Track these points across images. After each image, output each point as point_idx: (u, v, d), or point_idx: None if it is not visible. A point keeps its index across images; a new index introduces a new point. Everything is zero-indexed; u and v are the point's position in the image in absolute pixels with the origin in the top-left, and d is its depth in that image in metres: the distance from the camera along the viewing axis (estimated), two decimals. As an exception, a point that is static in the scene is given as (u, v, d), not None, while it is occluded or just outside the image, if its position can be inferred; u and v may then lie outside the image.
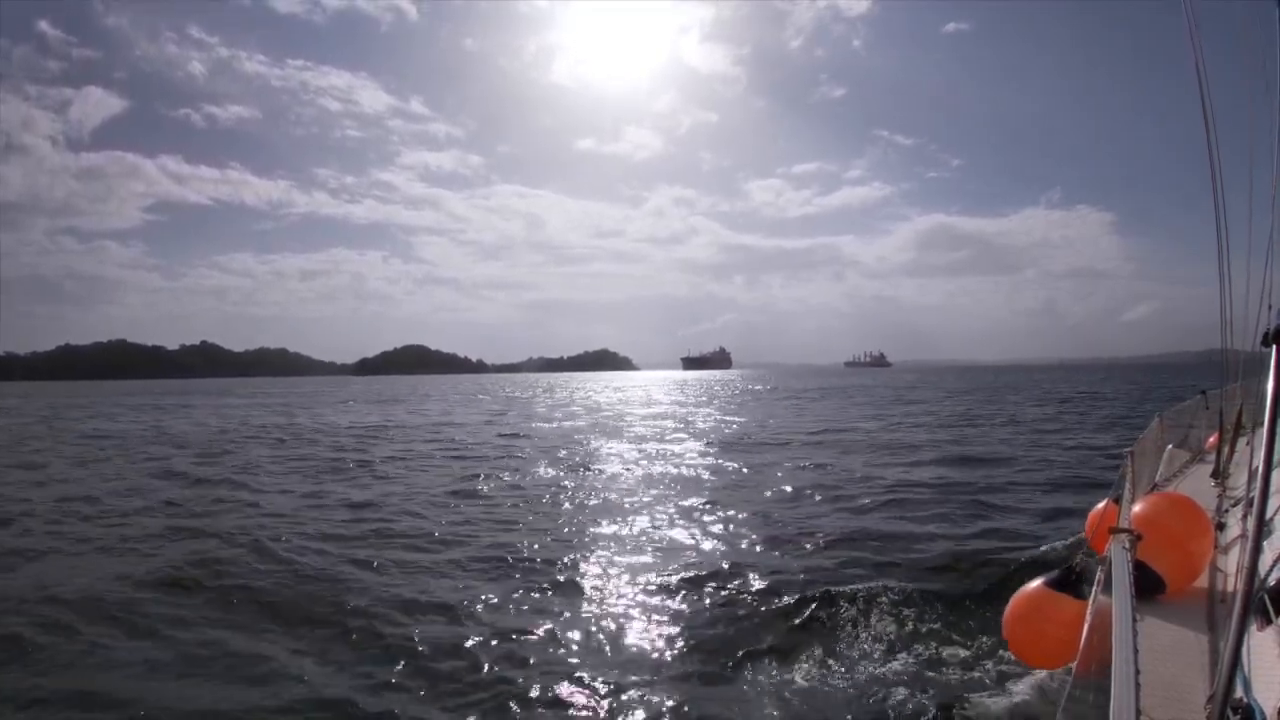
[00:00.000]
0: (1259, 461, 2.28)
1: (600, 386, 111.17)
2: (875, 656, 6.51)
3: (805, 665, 6.42)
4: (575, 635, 7.16)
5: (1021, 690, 5.59)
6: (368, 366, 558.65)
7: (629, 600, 8.24)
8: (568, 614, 7.81)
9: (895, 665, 6.29)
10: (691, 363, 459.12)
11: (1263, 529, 2.30)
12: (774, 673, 6.28)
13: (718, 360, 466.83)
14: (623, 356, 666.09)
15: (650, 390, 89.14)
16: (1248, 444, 5.24)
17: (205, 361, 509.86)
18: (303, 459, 21.90)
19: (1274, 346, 2.37)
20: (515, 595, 8.43)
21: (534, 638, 7.13)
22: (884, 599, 7.70)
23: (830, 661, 6.45)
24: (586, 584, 8.80)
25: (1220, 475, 5.37)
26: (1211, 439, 6.45)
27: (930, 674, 6.04)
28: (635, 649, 6.91)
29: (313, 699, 5.90)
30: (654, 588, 8.61)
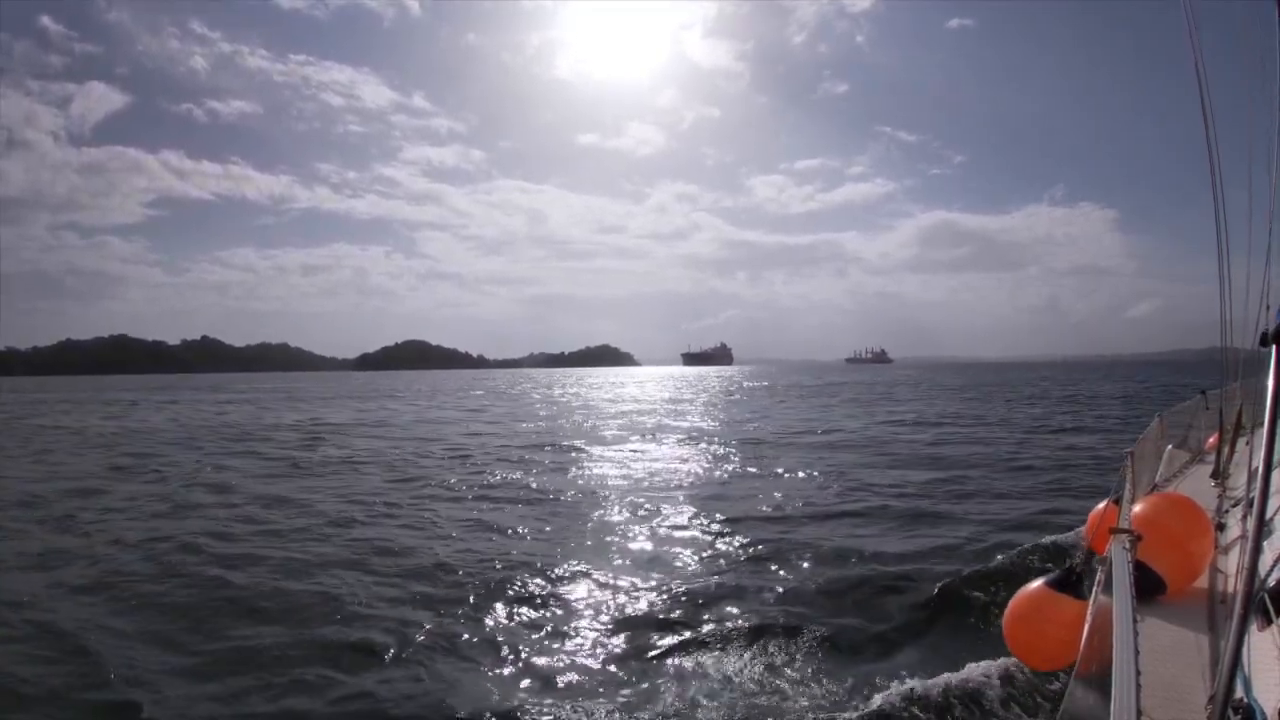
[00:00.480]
0: (1259, 462, 2.29)
1: (597, 382, 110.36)
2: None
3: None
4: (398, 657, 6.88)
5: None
6: (368, 362, 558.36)
7: (472, 622, 7.77)
8: (417, 633, 7.42)
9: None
10: (692, 358, 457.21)
11: (1263, 529, 2.31)
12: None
13: (719, 356, 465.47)
14: (624, 352, 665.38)
15: (644, 387, 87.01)
16: (1247, 444, 5.25)
17: (206, 357, 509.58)
18: (256, 455, 21.97)
19: (1273, 346, 2.38)
20: (379, 605, 8.20)
21: (364, 654, 6.92)
22: (756, 639, 7.17)
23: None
24: (458, 599, 8.38)
25: (1220, 475, 5.37)
26: (1211, 439, 6.46)
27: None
28: (458, 675, 6.58)
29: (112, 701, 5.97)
30: (519, 611, 8.06)
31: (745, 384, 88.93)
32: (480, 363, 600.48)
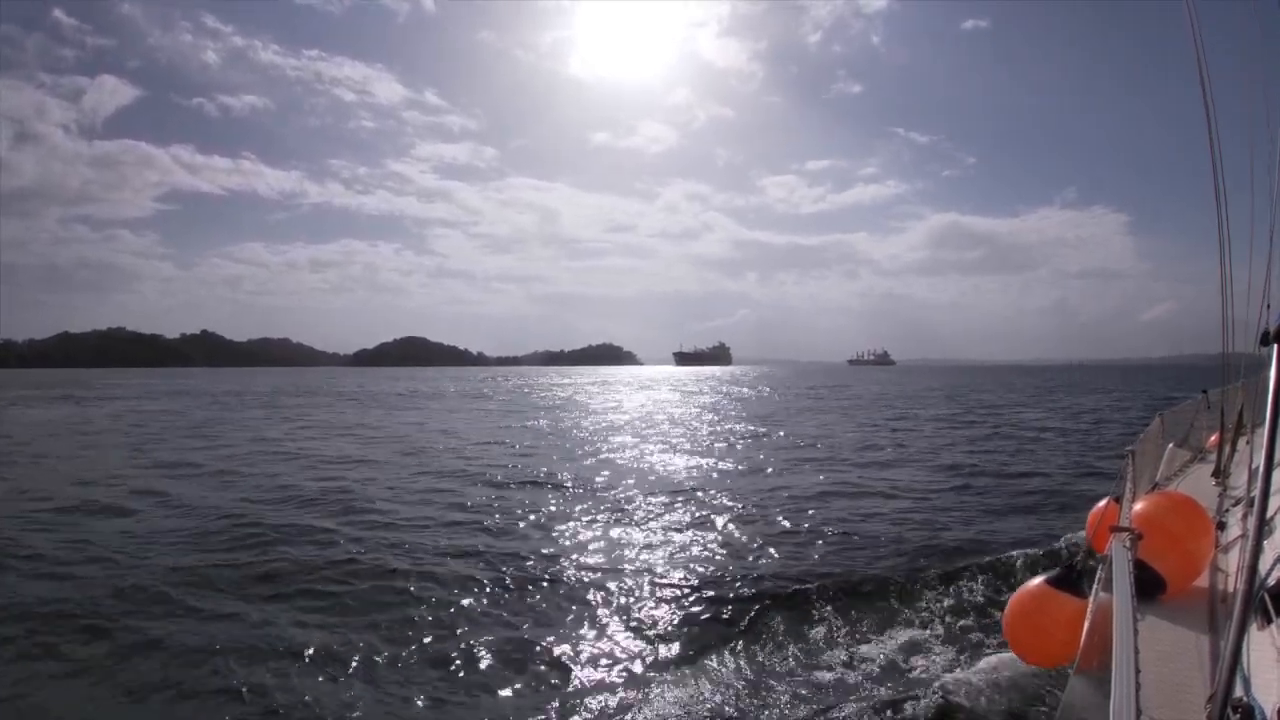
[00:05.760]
0: (1260, 461, 2.28)
1: (582, 381, 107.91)
2: None
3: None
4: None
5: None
6: (364, 358, 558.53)
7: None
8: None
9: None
10: (685, 358, 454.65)
11: (1263, 528, 2.30)
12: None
13: (715, 356, 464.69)
14: (626, 351, 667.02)
15: (621, 390, 76.20)
16: (1249, 443, 5.25)
17: (204, 351, 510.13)
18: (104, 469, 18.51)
19: (1274, 345, 2.38)
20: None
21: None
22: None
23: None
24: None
25: (1221, 474, 5.37)
26: (1212, 438, 6.46)
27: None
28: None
29: None
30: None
31: (726, 388, 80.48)
32: (480, 360, 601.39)
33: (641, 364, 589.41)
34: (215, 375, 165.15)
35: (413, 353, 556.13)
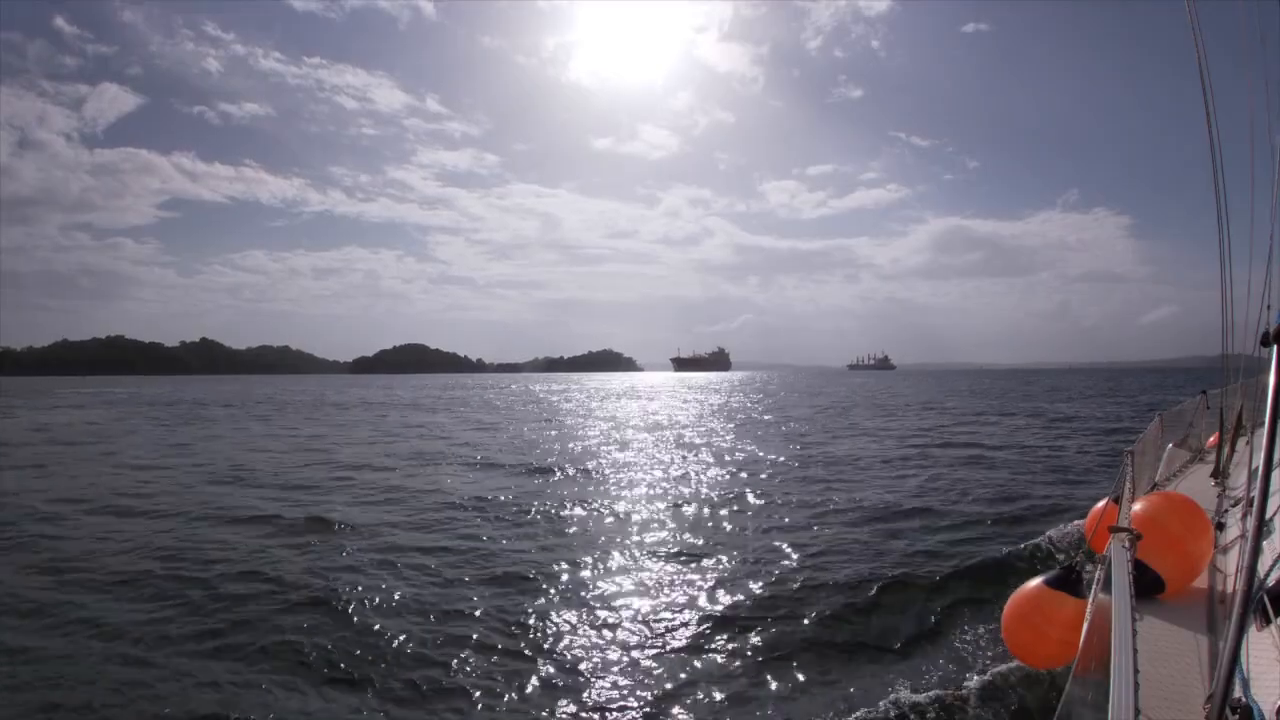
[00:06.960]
0: (1259, 461, 2.28)
1: (573, 389, 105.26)
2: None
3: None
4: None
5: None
6: (363, 365, 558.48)
7: None
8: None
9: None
10: (683, 364, 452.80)
11: (1262, 529, 2.29)
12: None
13: (713, 362, 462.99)
14: (626, 357, 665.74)
15: (596, 399, 70.92)
16: (1248, 444, 5.25)
17: (203, 359, 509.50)
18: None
19: (1274, 347, 2.38)
20: None
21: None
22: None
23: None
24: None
25: (1220, 475, 5.37)
26: (1212, 439, 6.48)
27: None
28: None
29: None
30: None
31: (704, 397, 73.90)
32: (479, 367, 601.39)
33: (641, 370, 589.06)
34: (200, 383, 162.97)
35: (412, 359, 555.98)
